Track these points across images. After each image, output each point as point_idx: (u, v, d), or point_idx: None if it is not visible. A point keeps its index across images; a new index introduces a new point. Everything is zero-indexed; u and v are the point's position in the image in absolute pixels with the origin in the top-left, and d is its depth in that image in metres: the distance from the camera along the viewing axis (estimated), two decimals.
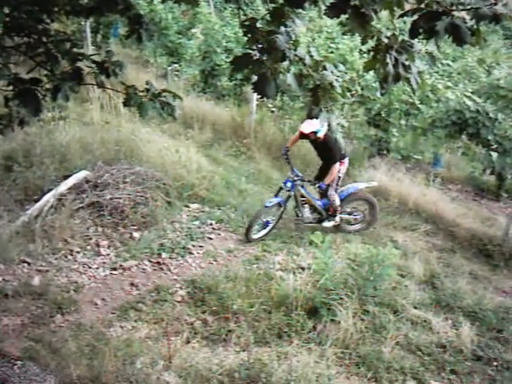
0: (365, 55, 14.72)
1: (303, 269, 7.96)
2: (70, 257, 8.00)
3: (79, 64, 4.94)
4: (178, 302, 7.31)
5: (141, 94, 4.81)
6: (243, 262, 8.22)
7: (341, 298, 7.01)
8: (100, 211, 8.77)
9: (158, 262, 8.10)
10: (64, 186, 9.13)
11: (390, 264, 7.40)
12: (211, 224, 9.18)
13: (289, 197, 8.94)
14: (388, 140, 12.18)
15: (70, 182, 9.26)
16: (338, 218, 9.17)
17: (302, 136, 8.81)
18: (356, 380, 6.34)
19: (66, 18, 5.26)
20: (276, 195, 8.93)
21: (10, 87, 4.96)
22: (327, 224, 9.18)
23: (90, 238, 8.39)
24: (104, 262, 7.99)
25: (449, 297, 7.87)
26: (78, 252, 8.10)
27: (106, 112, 11.87)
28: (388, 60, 4.07)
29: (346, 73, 6.00)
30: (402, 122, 12.37)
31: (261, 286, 7.53)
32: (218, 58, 15.18)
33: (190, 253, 8.33)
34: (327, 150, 8.84)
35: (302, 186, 9.00)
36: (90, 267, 7.85)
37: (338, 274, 7.47)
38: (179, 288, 7.56)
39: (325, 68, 4.82)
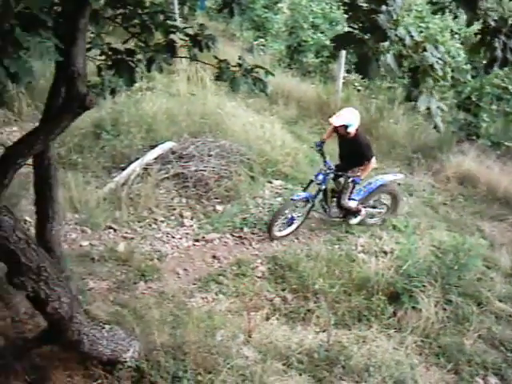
0: (456, 36, 14.24)
1: (386, 253, 7.80)
2: (154, 226, 8.16)
3: (172, 36, 4.98)
4: (259, 277, 7.36)
5: (233, 68, 4.81)
6: (325, 241, 8.12)
7: (423, 286, 6.83)
8: (184, 182, 8.88)
9: (240, 237, 8.15)
10: (150, 156, 9.29)
11: (476, 254, 7.18)
12: None
13: (319, 191, 8.17)
14: (478, 125, 11.70)
15: (156, 152, 9.40)
16: (363, 212, 8.52)
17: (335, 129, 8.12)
18: (436, 370, 6.22)
19: None
20: (305, 189, 8.26)
21: (103, 57, 5.05)
22: (353, 221, 8.54)
23: (174, 209, 8.51)
24: (187, 233, 8.10)
25: None
26: (162, 221, 8.25)
27: (192, 84, 11.92)
28: (496, 44, 3.89)
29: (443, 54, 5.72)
30: (494, 106, 11.85)
31: (342, 268, 7.41)
32: (304, 33, 14.95)
33: None
34: (357, 148, 7.91)
35: (334, 180, 8.32)
36: (173, 237, 7.99)
37: (421, 261, 7.28)
38: (260, 264, 7.60)
39: (425, 49, 4.65)
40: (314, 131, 11.47)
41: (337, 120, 7.83)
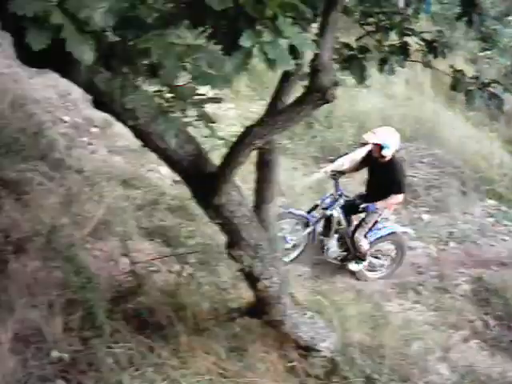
0: None
1: None
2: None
3: (407, 39, 4.82)
4: (461, 295, 6.99)
5: (469, 80, 4.53)
6: None
7: None
8: None
9: (444, 250, 7.81)
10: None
11: None
12: (506, 225, 8.57)
13: (322, 216, 6.81)
14: None
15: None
16: (366, 262, 6.99)
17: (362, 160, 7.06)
18: None
19: None
20: (309, 212, 6.89)
21: None
22: (354, 267, 6.95)
23: None
24: None
25: None
26: None
27: (410, 88, 11.62)
28: None
29: None
30: None
31: None
32: None
33: None
34: (390, 177, 6.61)
35: (342, 209, 6.83)
36: None
37: None
38: (463, 282, 7.22)
39: None
40: None
41: (372, 137, 6.58)
